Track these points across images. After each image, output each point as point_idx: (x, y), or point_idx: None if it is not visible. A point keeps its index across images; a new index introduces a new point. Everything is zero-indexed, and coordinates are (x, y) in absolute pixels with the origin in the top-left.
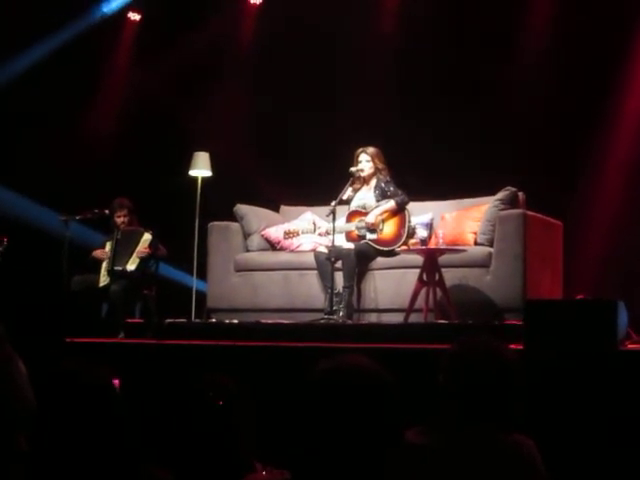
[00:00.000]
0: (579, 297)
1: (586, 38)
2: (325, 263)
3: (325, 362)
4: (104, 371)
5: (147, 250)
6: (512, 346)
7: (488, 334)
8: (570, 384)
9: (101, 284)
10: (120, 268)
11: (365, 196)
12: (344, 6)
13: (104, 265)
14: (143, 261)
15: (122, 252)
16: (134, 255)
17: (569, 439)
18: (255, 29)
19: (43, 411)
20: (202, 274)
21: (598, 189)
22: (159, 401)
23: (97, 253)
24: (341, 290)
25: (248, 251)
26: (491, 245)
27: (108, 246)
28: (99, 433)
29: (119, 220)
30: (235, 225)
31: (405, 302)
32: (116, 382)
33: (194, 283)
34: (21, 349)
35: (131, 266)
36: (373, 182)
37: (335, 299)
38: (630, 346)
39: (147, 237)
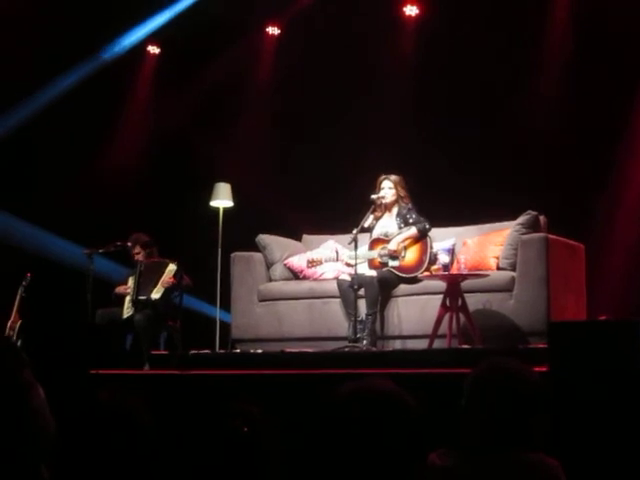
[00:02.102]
0: (602, 318)
1: (606, 61)
2: (348, 291)
3: (350, 384)
4: (136, 401)
5: (172, 280)
6: (537, 369)
7: (511, 357)
8: (595, 404)
9: (125, 315)
10: (144, 297)
11: (387, 223)
12: (362, 36)
13: (127, 298)
14: (168, 291)
15: (146, 282)
16: (159, 285)
17: (595, 460)
18: (274, 59)
19: (71, 440)
20: (225, 304)
21: (618, 210)
22: (185, 431)
23: (120, 289)
24: (364, 317)
25: (271, 281)
26: (514, 269)
27: (131, 281)
28: (130, 462)
29: (137, 256)
30: (258, 255)
31: (429, 328)
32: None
33: (217, 314)
34: (46, 382)
35: (156, 295)
36: (395, 210)
37: (359, 326)
38: None
39: (172, 267)
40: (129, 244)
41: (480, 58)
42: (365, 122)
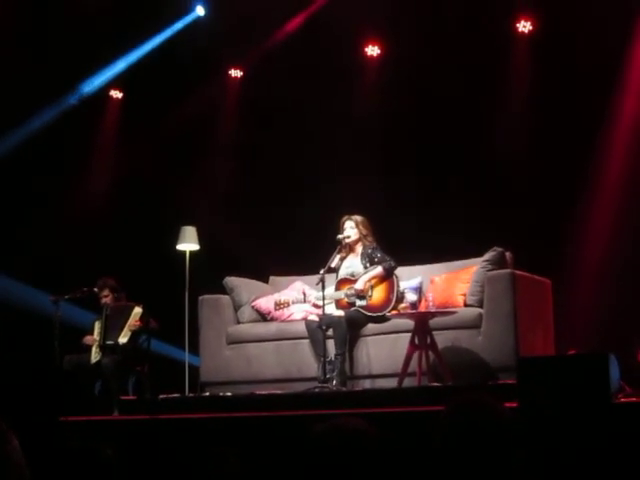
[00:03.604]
0: (571, 352)
1: (566, 99)
2: (317, 331)
3: (320, 425)
4: (103, 448)
5: (138, 323)
6: (507, 404)
7: (482, 394)
8: (566, 439)
9: (93, 360)
10: (112, 342)
11: (352, 263)
12: (326, 80)
13: (95, 344)
14: (135, 334)
15: (113, 327)
16: (125, 328)
17: None
18: (237, 102)
19: None
20: (194, 348)
21: (584, 244)
22: (156, 476)
23: (87, 339)
24: (334, 358)
25: (239, 323)
26: (481, 306)
27: (97, 326)
28: None
29: (104, 300)
30: (225, 298)
31: (398, 367)
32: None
33: (186, 357)
34: (16, 429)
35: (123, 339)
36: (359, 249)
37: (328, 367)
38: (623, 399)
39: (138, 310)
40: (96, 289)
41: (442, 94)
42: (331, 162)
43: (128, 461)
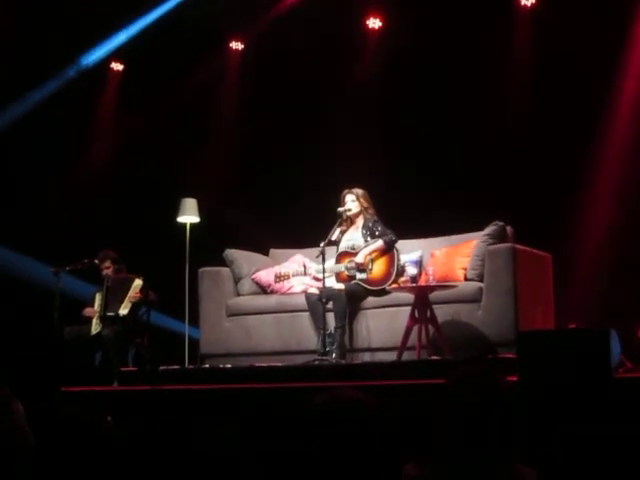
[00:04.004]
0: (571, 327)
1: (569, 72)
2: (317, 304)
3: (320, 396)
4: (103, 417)
5: (139, 295)
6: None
7: (483, 367)
8: (566, 414)
9: (93, 332)
10: (112, 313)
11: (353, 236)
12: (327, 49)
13: (96, 315)
14: (135, 307)
15: (113, 298)
16: (126, 300)
17: (568, 467)
18: (239, 75)
19: (45, 454)
20: (194, 320)
21: (585, 219)
22: (156, 446)
23: (88, 311)
24: (333, 330)
25: (239, 295)
26: (481, 280)
27: (98, 298)
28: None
29: (105, 271)
30: (225, 270)
31: (398, 340)
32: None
33: (186, 330)
34: (18, 398)
35: (123, 310)
36: (360, 222)
37: (328, 340)
38: (624, 374)
39: (138, 282)
40: (96, 261)
41: (443, 68)
42: (331, 135)
43: (128, 431)
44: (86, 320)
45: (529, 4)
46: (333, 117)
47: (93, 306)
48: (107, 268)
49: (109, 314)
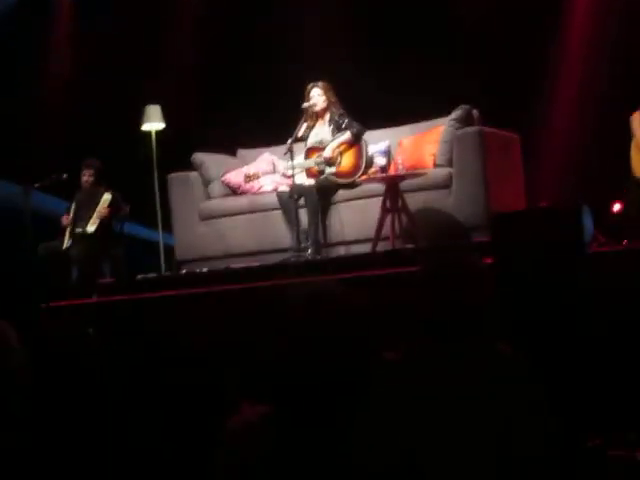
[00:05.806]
0: (543, 205)
1: None
2: (288, 202)
3: (295, 288)
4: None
5: (107, 210)
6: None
7: (461, 251)
8: (541, 292)
9: (65, 246)
10: (80, 230)
11: (320, 131)
12: None
13: (68, 228)
14: (105, 221)
15: (83, 214)
16: (94, 216)
17: (543, 347)
18: None
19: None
20: (167, 227)
21: (553, 98)
22: (138, 354)
23: (64, 219)
24: (307, 227)
25: (210, 199)
26: (451, 165)
27: (73, 208)
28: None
29: (83, 179)
30: (194, 174)
31: (371, 232)
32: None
33: (160, 237)
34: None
35: (91, 227)
36: (327, 116)
37: (302, 236)
38: (597, 249)
39: (107, 197)
40: (65, 175)
41: None
42: (295, 29)
43: (111, 341)
44: (63, 231)
45: None
46: (298, 9)
47: (69, 214)
48: (86, 176)
49: (77, 230)
